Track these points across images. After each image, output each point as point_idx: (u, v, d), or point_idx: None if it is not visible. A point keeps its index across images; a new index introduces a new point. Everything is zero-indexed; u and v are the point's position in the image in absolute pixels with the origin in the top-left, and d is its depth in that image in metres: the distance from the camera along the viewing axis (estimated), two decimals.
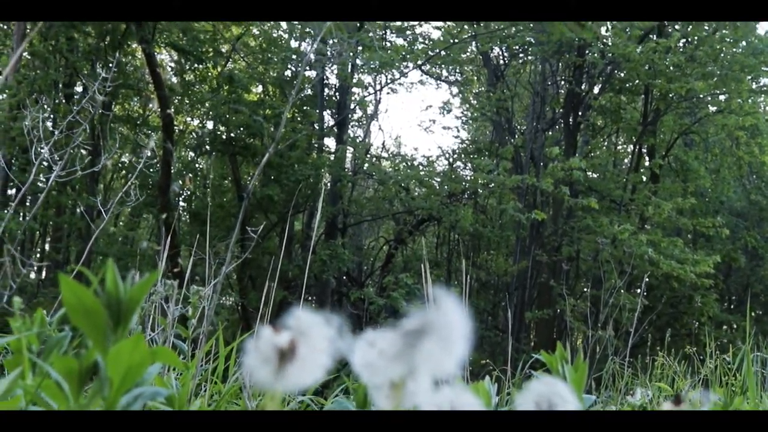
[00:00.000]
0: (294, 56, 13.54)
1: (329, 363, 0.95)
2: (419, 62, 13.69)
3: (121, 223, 15.90)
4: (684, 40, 12.96)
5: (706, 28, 12.73)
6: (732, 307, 16.13)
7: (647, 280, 10.51)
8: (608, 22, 12.53)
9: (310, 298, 13.30)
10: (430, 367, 0.93)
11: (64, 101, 11.38)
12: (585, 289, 13.00)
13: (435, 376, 0.94)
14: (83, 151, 11.87)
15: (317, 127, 13.98)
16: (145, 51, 11.13)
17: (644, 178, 13.78)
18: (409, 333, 0.93)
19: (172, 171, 12.07)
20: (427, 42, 13.73)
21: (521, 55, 14.63)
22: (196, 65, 13.15)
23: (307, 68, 13.05)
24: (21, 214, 12.07)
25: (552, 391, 1.09)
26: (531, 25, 12.87)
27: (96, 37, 11.45)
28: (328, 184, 13.41)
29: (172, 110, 12.03)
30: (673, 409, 1.08)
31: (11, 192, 11.92)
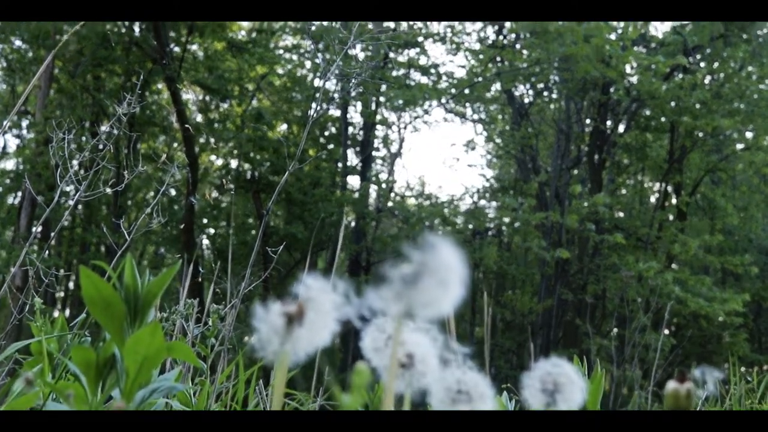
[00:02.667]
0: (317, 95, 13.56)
1: (336, 327, 0.97)
2: (443, 100, 13.68)
3: (145, 262, 15.92)
4: (710, 76, 12.88)
5: (732, 65, 12.65)
6: (762, 347, 15.84)
7: (670, 307, 10.34)
8: (633, 61, 12.48)
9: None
10: (428, 307, 0.94)
11: (90, 139, 11.42)
12: (611, 329, 12.82)
13: (432, 315, 0.96)
14: (109, 190, 11.90)
15: (341, 165, 13.98)
16: (170, 89, 11.20)
17: (671, 216, 13.62)
18: (407, 274, 0.94)
19: (196, 209, 12.10)
20: (451, 80, 13.73)
21: (545, 92, 14.59)
22: (221, 103, 13.22)
23: (330, 105, 13.07)
24: (47, 251, 12.08)
25: (559, 371, 1.11)
26: (555, 63, 12.84)
27: (122, 75, 11.54)
28: (352, 222, 13.37)
29: (197, 148, 12.08)
30: (675, 409, 1.03)
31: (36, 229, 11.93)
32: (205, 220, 13.56)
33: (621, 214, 13.75)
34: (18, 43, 12.06)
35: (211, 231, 14.27)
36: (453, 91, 13.64)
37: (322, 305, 1.00)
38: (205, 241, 14.09)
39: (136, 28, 11.59)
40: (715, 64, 12.74)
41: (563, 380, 1.19)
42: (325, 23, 13.64)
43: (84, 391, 1.44)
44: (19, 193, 11.70)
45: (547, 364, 1.26)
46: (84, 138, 11.23)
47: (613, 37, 12.03)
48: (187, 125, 11.15)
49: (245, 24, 13.65)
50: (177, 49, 11.84)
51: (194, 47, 12.93)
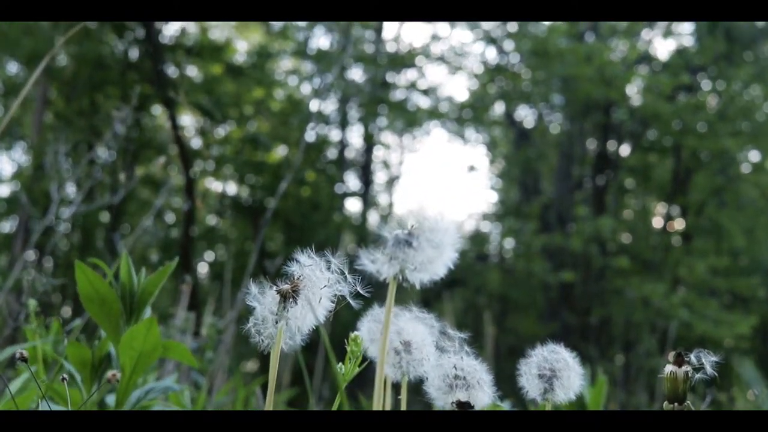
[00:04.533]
0: (314, 117, 13.47)
1: (330, 304, 1.05)
2: (443, 122, 13.57)
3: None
4: (714, 97, 12.76)
5: (736, 87, 12.53)
6: None
7: (674, 328, 10.17)
8: (636, 81, 12.37)
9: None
10: (422, 269, 1.01)
11: (86, 163, 11.31)
12: (617, 353, 12.63)
13: (426, 278, 1.03)
14: (107, 214, 11.80)
15: (340, 189, 13.85)
16: (167, 112, 11.07)
17: (676, 239, 13.47)
18: (401, 236, 1.02)
19: (194, 235, 11.95)
20: (451, 102, 13.62)
21: (547, 114, 14.47)
22: (219, 126, 13.12)
23: (328, 126, 12.98)
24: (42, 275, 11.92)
25: (556, 357, 1.18)
26: (556, 85, 12.73)
27: (118, 98, 11.43)
28: (353, 245, 13.22)
29: (194, 172, 11.95)
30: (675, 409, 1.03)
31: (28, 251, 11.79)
32: (202, 245, 13.41)
33: (626, 236, 13.60)
34: (13, 69, 11.98)
35: (209, 257, 14.13)
36: (453, 113, 13.53)
37: (317, 283, 1.05)
38: (204, 268, 13.94)
39: (134, 52, 11.49)
40: (720, 85, 12.62)
41: (561, 366, 1.15)
42: (324, 47, 13.58)
43: (80, 390, 1.40)
44: (13, 220, 11.56)
45: (544, 350, 1.22)
46: (80, 162, 11.12)
47: (615, 55, 11.93)
48: (183, 147, 11.03)
49: (243, 47, 13.57)
50: (173, 70, 11.73)
51: (192, 72, 12.84)
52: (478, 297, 14.86)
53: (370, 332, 1.30)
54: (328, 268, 1.12)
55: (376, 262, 1.06)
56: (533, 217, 13.40)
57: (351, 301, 1.14)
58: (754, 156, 13.10)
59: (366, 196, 13.90)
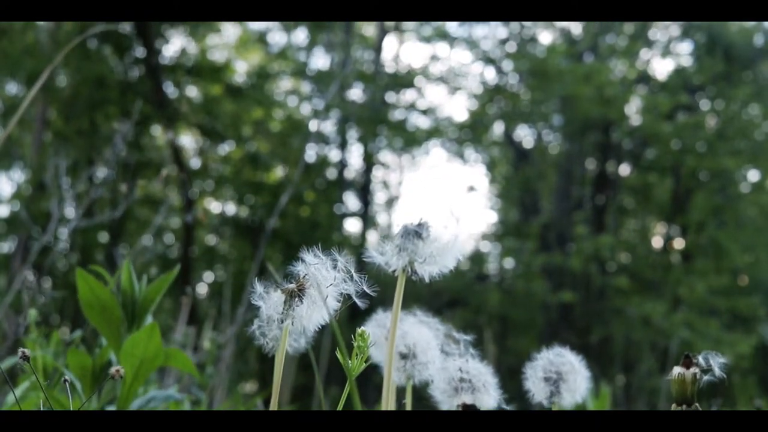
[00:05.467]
0: (314, 137, 13.48)
1: (336, 303, 1.03)
2: (442, 142, 13.58)
3: None
4: (713, 116, 12.78)
5: (734, 107, 12.55)
6: None
7: (675, 346, 10.11)
8: (635, 101, 12.39)
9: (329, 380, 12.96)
10: (431, 262, 1.01)
11: (86, 182, 11.31)
12: (618, 373, 12.57)
13: (435, 271, 1.03)
14: (106, 233, 11.77)
15: (339, 209, 13.84)
16: (166, 132, 11.08)
17: (676, 258, 13.45)
18: (411, 227, 1.03)
19: (193, 256, 11.92)
20: (451, 123, 13.62)
21: (546, 133, 14.48)
22: (218, 146, 13.12)
23: (327, 145, 12.99)
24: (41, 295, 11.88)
25: (562, 360, 1.18)
26: (555, 104, 12.75)
27: (118, 118, 11.43)
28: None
29: (194, 192, 11.94)
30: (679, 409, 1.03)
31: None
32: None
33: (625, 255, 13.57)
34: (14, 89, 11.99)
35: (208, 277, 14.09)
36: (453, 133, 13.54)
37: (323, 282, 1.04)
38: (203, 288, 13.90)
39: (133, 71, 11.51)
40: (718, 104, 12.65)
41: (566, 369, 1.13)
42: (323, 67, 13.61)
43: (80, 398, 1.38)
44: (11, 240, 11.53)
45: (549, 354, 1.21)
46: (79, 179, 11.12)
47: (614, 75, 11.96)
48: (183, 167, 11.02)
49: (243, 67, 13.59)
50: (173, 91, 11.75)
51: (192, 92, 12.85)
52: (478, 317, 14.82)
53: (375, 337, 1.29)
54: (335, 267, 1.11)
55: (385, 254, 1.06)
56: (533, 236, 13.38)
57: (357, 301, 1.12)
58: (754, 175, 13.10)
59: (365, 216, 13.88)
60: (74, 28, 10.00)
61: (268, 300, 1.06)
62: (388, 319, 1.12)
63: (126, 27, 10.51)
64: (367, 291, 1.13)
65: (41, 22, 10.98)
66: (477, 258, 14.59)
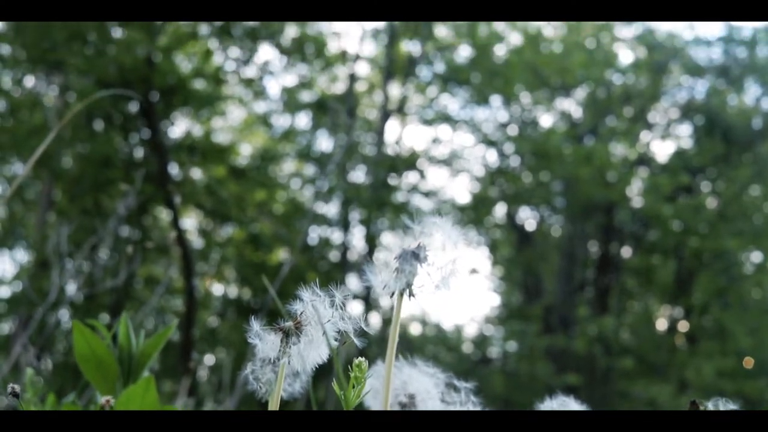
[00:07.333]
0: (316, 219, 13.54)
1: (334, 341, 1.00)
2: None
3: None
4: (714, 197, 12.84)
5: (736, 189, 12.62)
6: None
7: None
8: (636, 182, 12.47)
9: None
10: (435, 276, 0.99)
11: (88, 262, 11.31)
12: None
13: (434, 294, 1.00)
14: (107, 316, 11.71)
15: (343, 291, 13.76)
16: (170, 212, 11.12)
17: (681, 340, 13.34)
18: (409, 249, 1.00)
19: (195, 337, 11.83)
20: (453, 205, 13.68)
21: (548, 215, 14.53)
22: (221, 227, 13.15)
23: (330, 230, 13.01)
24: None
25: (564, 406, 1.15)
26: (557, 186, 12.83)
27: (121, 197, 11.50)
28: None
29: (196, 273, 11.92)
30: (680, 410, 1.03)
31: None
32: (202, 348, 13.28)
33: (630, 337, 13.47)
34: (19, 170, 12.08)
35: (210, 360, 13.96)
36: (455, 215, 13.58)
37: (319, 319, 1.01)
38: (203, 371, 13.77)
39: (138, 152, 11.62)
40: (719, 186, 12.72)
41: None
42: (325, 149, 13.73)
43: None
44: (12, 321, 11.48)
45: (553, 403, 1.20)
46: (81, 255, 11.10)
47: (615, 156, 12.06)
48: (186, 248, 11.03)
49: (246, 150, 13.72)
50: (177, 172, 11.84)
51: (196, 174, 12.95)
52: (482, 400, 14.64)
53: (373, 388, 1.25)
54: (332, 305, 1.10)
55: (382, 277, 1.05)
56: (536, 319, 13.30)
57: (355, 340, 1.11)
58: (757, 257, 13.08)
59: (368, 298, 13.83)
60: (82, 109, 10.13)
61: (265, 340, 1.05)
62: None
63: (132, 107, 10.67)
64: (366, 330, 1.13)
65: (48, 104, 11.14)
66: (480, 341, 14.48)
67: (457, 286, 1.07)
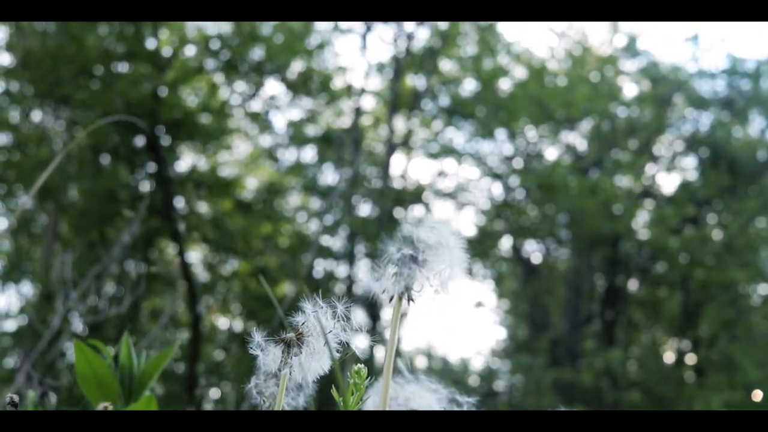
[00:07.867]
0: (322, 252, 13.54)
1: (336, 353, 1.00)
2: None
3: None
4: (721, 229, 12.81)
5: (742, 221, 12.60)
6: None
7: None
8: (641, 214, 12.46)
9: None
10: (434, 280, 0.98)
11: (93, 296, 11.31)
12: None
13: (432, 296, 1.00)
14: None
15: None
16: (175, 244, 11.13)
17: (690, 372, 13.25)
18: (407, 252, 0.98)
19: (200, 371, 11.80)
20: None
21: (554, 248, 14.51)
22: (226, 261, 13.16)
23: (336, 263, 12.99)
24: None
25: None
26: (562, 219, 12.82)
27: (126, 228, 11.53)
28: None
29: (202, 306, 11.91)
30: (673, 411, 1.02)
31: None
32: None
33: (637, 371, 13.38)
34: (26, 204, 12.12)
35: (215, 394, 13.90)
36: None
37: (321, 330, 1.01)
38: (208, 405, 13.70)
39: (144, 185, 11.66)
40: (725, 218, 12.69)
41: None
42: (331, 182, 13.77)
43: None
44: (17, 355, 11.46)
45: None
46: (85, 284, 11.08)
47: (620, 189, 12.06)
48: (191, 283, 11.02)
49: (252, 184, 13.75)
50: (183, 207, 11.86)
51: (202, 208, 12.97)
52: None
53: (375, 405, 1.26)
54: (334, 316, 1.10)
55: (380, 280, 1.04)
56: (542, 352, 13.23)
57: (356, 350, 1.11)
58: (764, 288, 13.02)
59: (373, 332, 13.78)
60: (88, 143, 10.19)
61: (267, 351, 1.05)
62: (391, 389, 1.10)
63: (138, 141, 10.72)
64: (366, 339, 1.13)
65: (57, 138, 11.21)
66: (486, 374, 14.40)
67: (455, 290, 1.06)
